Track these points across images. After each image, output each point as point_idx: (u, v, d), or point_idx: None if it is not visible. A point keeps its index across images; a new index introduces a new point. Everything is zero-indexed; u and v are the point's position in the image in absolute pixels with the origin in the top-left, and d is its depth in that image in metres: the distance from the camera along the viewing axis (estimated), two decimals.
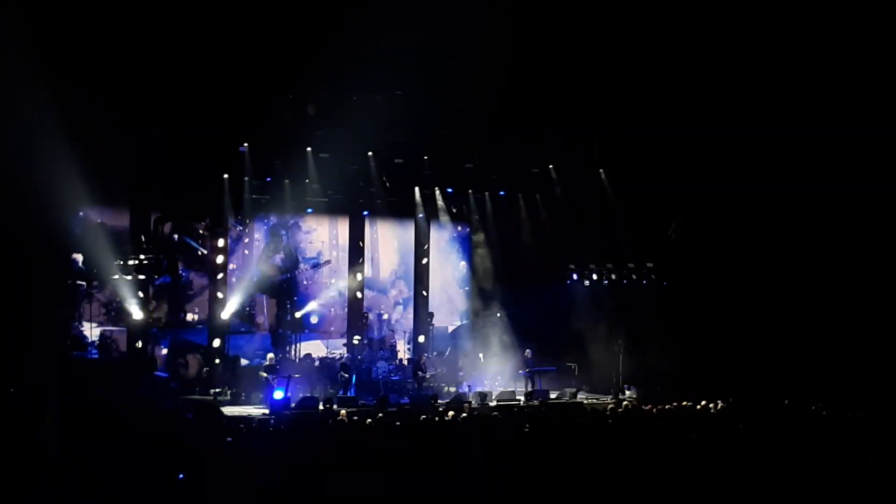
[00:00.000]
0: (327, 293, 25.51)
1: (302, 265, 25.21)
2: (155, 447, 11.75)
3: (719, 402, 17.93)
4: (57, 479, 10.03)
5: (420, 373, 22.60)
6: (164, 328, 23.28)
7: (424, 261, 26.61)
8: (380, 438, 14.12)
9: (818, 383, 19.82)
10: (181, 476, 10.44)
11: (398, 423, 15.86)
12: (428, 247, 26.71)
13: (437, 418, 16.89)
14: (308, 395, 20.51)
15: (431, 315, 26.27)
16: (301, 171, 23.33)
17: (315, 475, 11.09)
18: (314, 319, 25.37)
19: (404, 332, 26.35)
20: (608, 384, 23.47)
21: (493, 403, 21.04)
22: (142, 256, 20.77)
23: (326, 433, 15.16)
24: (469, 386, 22.77)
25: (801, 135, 21.16)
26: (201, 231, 23.70)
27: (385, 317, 26.44)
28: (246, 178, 23.09)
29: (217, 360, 22.32)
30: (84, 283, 20.94)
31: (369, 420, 16.37)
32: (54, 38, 17.07)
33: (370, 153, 23.65)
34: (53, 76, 16.81)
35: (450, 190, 25.72)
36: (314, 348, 24.81)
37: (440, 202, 25.97)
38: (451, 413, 17.15)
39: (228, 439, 13.67)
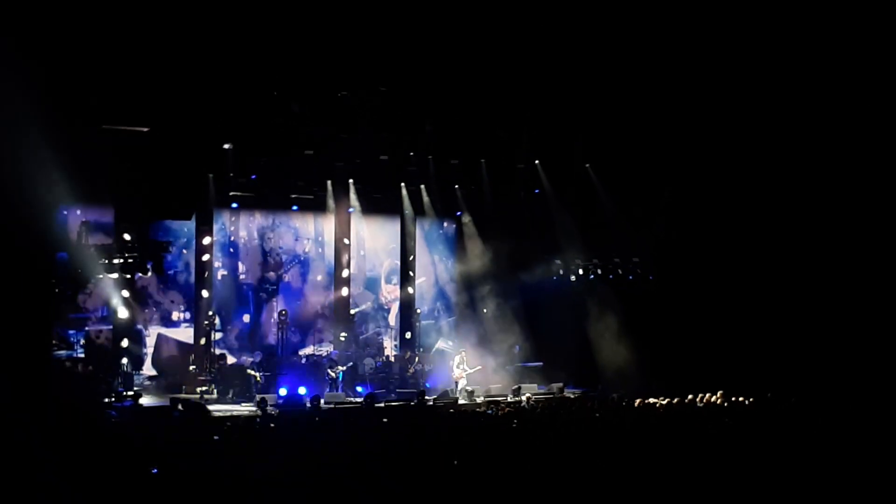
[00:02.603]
0: (314, 290, 25.41)
1: (284, 263, 25.11)
2: (141, 446, 11.68)
3: (708, 396, 17.93)
4: (39, 479, 9.94)
5: (407, 369, 22.57)
6: (149, 326, 23.22)
7: (411, 257, 26.58)
8: (367, 435, 14.07)
9: (808, 379, 19.86)
10: (154, 471, 10.34)
11: (385, 420, 15.83)
12: (414, 243, 26.67)
13: (424, 414, 16.86)
14: (295, 392, 20.49)
15: (418, 311, 26.23)
16: (286, 168, 23.25)
17: (303, 473, 11.03)
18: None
19: (391, 328, 26.29)
20: (596, 379, 23.49)
21: (481, 399, 21.03)
22: (126, 255, 20.66)
23: (314, 430, 15.09)
24: (456, 382, 22.76)
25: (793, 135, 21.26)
26: (185, 229, 23.63)
27: (371, 314, 26.35)
28: (231, 175, 23.00)
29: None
30: (68, 281, 20.81)
31: (356, 417, 16.34)
32: (38, 34, 16.94)
33: (355, 150, 23.55)
34: (36, 72, 16.69)
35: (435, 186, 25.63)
36: (300, 345, 24.76)
37: (426, 198, 25.90)
38: (438, 409, 17.13)
39: (215, 437, 13.57)
